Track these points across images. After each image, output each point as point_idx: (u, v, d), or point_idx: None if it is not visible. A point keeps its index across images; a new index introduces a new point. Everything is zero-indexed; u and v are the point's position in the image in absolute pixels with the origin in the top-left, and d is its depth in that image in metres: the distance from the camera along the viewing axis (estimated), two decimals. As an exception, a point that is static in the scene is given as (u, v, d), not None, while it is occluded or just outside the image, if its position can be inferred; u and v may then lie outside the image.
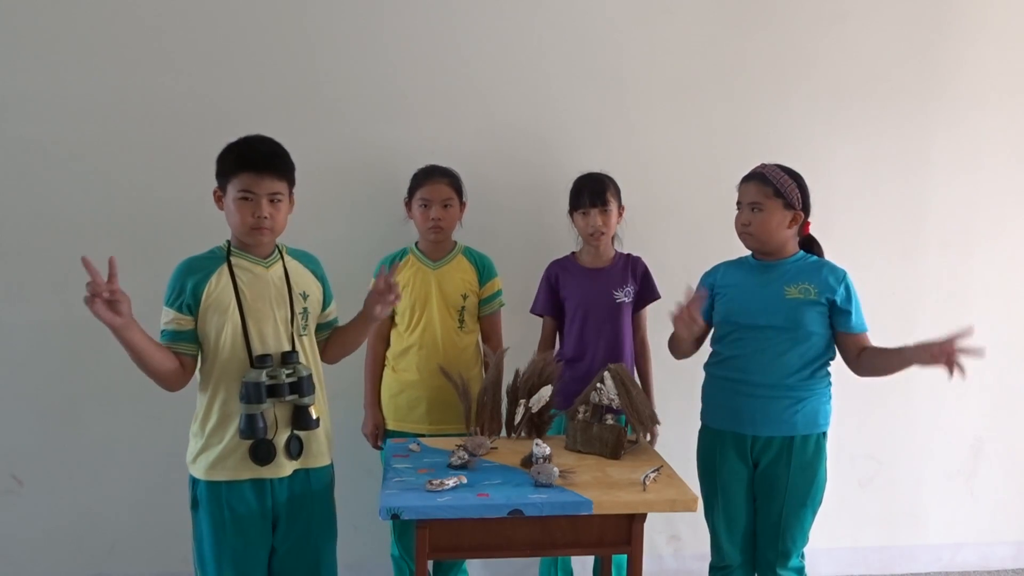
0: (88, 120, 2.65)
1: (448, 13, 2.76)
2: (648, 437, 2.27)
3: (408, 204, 2.56)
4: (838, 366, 2.23)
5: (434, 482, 1.88)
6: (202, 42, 2.68)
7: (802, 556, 2.27)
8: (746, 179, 2.24)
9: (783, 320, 2.15)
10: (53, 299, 2.70)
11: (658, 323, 2.60)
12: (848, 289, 2.17)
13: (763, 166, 2.23)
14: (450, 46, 2.77)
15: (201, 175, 2.60)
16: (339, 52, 2.73)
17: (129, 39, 2.65)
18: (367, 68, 2.75)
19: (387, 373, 2.57)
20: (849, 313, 2.16)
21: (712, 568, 2.37)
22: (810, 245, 2.29)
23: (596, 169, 2.59)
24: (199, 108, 2.69)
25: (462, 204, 2.55)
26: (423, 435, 2.46)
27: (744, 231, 2.22)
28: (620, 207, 2.57)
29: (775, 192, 2.16)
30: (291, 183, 1.99)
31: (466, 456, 2.05)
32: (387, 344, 2.58)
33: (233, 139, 1.99)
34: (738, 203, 2.24)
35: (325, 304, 2.09)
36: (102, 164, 2.67)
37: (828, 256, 2.28)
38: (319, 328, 2.08)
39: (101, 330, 2.69)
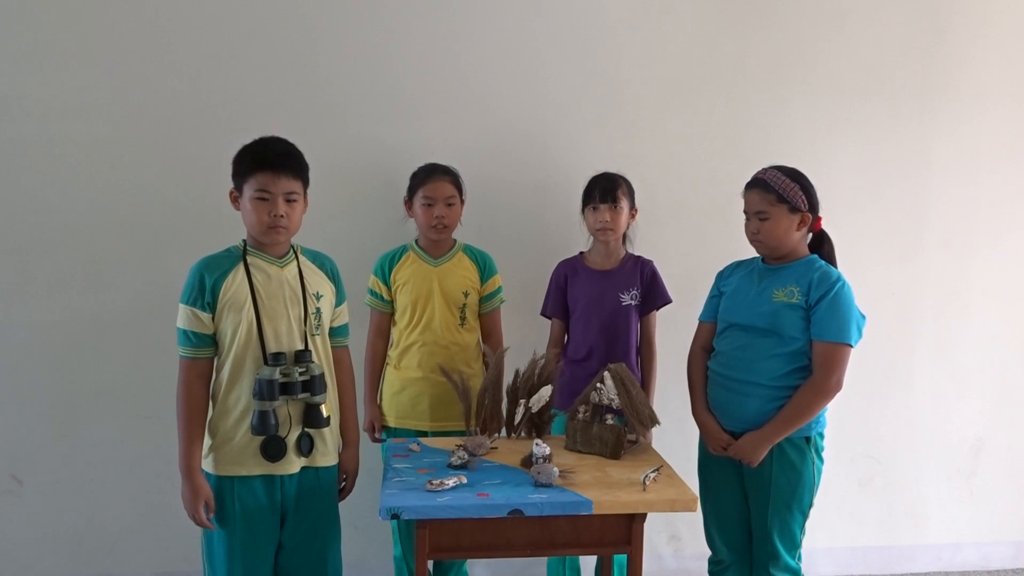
0: (89, 120, 2.65)
1: (448, 13, 2.76)
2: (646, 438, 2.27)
3: (408, 203, 2.56)
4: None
5: (434, 482, 1.88)
6: (203, 42, 2.68)
7: (798, 557, 2.26)
8: (748, 187, 2.21)
9: (765, 322, 2.15)
10: (53, 299, 2.70)
11: (663, 324, 2.61)
12: (829, 294, 2.09)
13: (764, 172, 2.21)
14: (450, 46, 2.77)
15: (202, 175, 2.64)
16: (340, 52, 2.73)
17: (131, 39, 2.65)
18: (367, 68, 2.75)
19: (389, 371, 2.57)
20: (816, 317, 2.09)
21: (710, 563, 2.38)
22: (820, 242, 2.25)
23: (597, 168, 2.59)
24: (200, 108, 2.69)
25: (462, 202, 2.55)
26: (425, 432, 2.48)
27: (754, 239, 2.21)
28: (632, 208, 2.58)
29: (779, 198, 2.14)
30: (306, 183, 2.01)
31: (466, 456, 2.05)
32: (387, 341, 2.58)
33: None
34: (744, 212, 2.22)
35: (337, 304, 2.11)
36: (103, 164, 2.67)
37: (829, 257, 2.28)
38: (330, 333, 2.10)
39: (101, 330, 2.73)
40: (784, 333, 2.13)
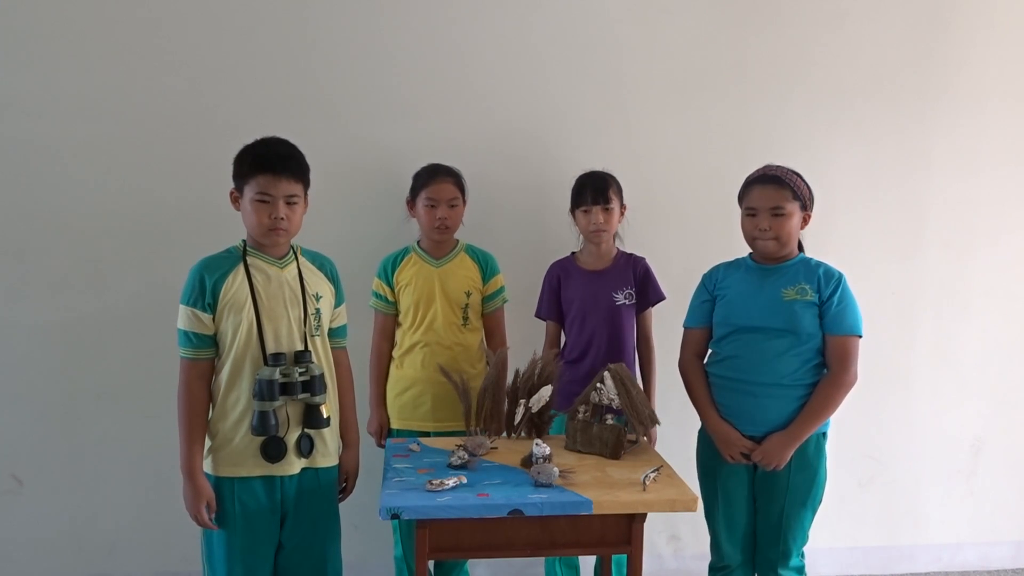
0: (88, 120, 2.65)
1: (448, 13, 2.76)
2: (646, 438, 2.27)
3: (411, 203, 2.56)
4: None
5: (434, 482, 1.88)
6: (203, 43, 2.68)
7: (802, 556, 2.27)
8: (759, 183, 2.19)
9: (782, 322, 2.15)
10: (53, 299, 2.70)
11: (662, 324, 2.61)
12: (839, 290, 2.14)
13: (776, 168, 2.20)
14: (450, 46, 2.77)
15: (201, 176, 2.64)
16: (339, 52, 2.73)
17: (130, 40, 2.65)
18: (367, 68, 2.75)
19: (392, 371, 2.57)
20: (831, 313, 2.13)
21: (712, 568, 2.37)
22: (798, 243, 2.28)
23: (596, 168, 2.58)
24: (199, 109, 2.69)
25: (464, 203, 2.55)
26: (428, 433, 2.48)
27: (764, 236, 2.16)
28: (622, 206, 2.57)
29: (793, 195, 2.15)
30: (307, 185, 2.02)
31: (466, 456, 2.04)
32: (392, 343, 2.58)
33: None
34: (750, 208, 2.19)
35: (336, 305, 2.12)
36: (103, 164, 2.67)
37: (828, 256, 2.27)
38: (329, 334, 2.10)
39: (101, 331, 2.73)
40: (802, 331, 2.14)
